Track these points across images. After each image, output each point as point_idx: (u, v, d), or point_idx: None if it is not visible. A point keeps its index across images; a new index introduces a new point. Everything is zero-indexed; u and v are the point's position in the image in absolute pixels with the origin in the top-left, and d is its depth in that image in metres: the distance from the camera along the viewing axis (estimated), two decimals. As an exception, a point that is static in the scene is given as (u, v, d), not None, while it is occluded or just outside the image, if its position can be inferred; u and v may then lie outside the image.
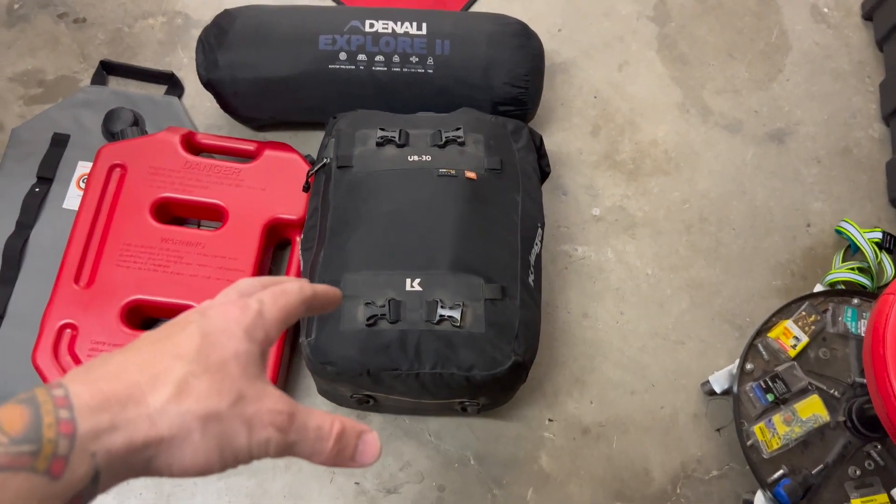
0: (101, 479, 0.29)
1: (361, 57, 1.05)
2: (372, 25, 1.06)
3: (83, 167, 1.12)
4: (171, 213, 1.05)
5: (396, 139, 0.95)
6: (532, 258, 0.93)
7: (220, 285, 0.97)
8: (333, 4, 1.28)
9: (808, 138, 1.24)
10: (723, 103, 1.26)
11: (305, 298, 0.39)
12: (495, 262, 0.89)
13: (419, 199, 0.91)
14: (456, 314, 0.82)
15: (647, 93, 1.26)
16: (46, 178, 1.11)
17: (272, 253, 1.07)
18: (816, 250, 1.16)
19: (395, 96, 1.08)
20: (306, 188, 1.01)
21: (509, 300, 0.87)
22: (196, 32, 1.25)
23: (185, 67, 1.22)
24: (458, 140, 0.95)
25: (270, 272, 1.07)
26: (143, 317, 1.00)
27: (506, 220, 0.92)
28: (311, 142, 1.18)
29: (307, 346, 0.83)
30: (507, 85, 1.07)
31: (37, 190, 1.10)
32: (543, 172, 1.07)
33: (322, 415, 0.35)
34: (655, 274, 1.14)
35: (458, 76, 1.06)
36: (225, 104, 1.10)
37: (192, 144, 1.08)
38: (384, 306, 0.83)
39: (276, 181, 1.05)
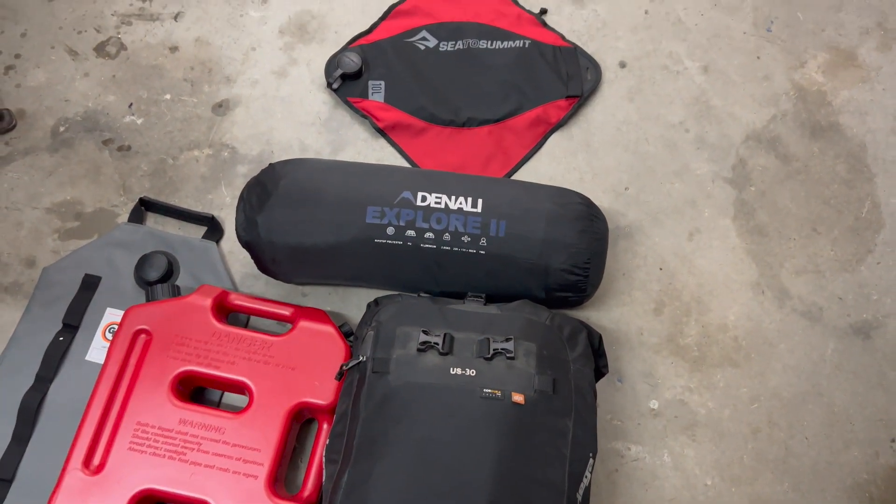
0: None
1: (410, 233, 0.97)
2: (424, 199, 0.98)
3: (111, 314, 1.07)
4: (193, 383, 0.99)
5: (440, 347, 0.86)
6: (580, 495, 0.83)
7: (237, 481, 0.91)
8: (384, 164, 1.21)
9: (897, 334, 1.12)
10: (802, 286, 1.14)
11: None
12: (537, 508, 0.79)
13: (457, 425, 0.82)
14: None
15: (719, 268, 1.15)
16: (72, 325, 1.06)
17: (298, 429, 1.00)
18: (901, 472, 1.04)
19: (442, 274, 0.99)
20: (339, 377, 0.93)
21: (549, 556, 0.77)
22: (242, 169, 1.19)
23: (227, 207, 1.16)
24: (508, 354, 0.86)
25: (293, 455, 0.99)
26: (154, 506, 0.93)
27: (553, 454, 0.83)
28: (352, 299, 1.11)
29: None
30: (564, 272, 0.98)
31: (60, 339, 1.04)
32: (600, 373, 0.97)
33: None
34: (715, 485, 1.02)
35: (511, 260, 0.97)
36: (263, 267, 1.03)
37: (224, 306, 1.02)
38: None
39: (308, 359, 0.97)
